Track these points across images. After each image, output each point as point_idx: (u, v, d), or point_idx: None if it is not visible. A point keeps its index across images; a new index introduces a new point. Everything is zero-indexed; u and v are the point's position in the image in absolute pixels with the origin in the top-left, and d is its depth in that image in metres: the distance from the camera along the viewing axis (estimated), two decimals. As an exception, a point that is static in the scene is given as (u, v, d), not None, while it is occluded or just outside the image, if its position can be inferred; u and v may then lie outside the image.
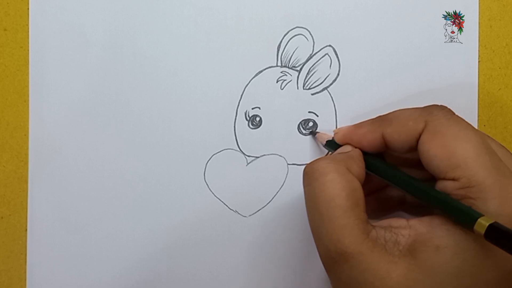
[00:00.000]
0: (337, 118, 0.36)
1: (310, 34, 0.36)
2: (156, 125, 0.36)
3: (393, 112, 0.31)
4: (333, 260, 0.27)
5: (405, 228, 0.27)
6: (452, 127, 0.28)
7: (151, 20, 0.36)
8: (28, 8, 0.35)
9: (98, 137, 0.35)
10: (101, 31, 0.35)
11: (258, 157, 0.36)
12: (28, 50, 0.35)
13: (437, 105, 0.30)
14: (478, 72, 0.36)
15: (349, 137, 0.31)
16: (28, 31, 0.35)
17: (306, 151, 0.36)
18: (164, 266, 0.36)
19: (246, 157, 0.36)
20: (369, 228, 0.27)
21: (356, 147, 0.31)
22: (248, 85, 0.36)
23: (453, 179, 0.27)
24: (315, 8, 0.36)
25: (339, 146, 0.33)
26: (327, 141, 0.34)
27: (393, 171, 0.30)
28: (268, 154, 0.36)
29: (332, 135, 0.33)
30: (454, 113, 0.29)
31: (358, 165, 0.29)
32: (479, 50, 0.36)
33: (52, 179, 0.35)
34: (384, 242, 0.27)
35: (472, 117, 0.36)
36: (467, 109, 0.36)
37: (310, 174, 0.28)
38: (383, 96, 0.36)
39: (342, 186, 0.27)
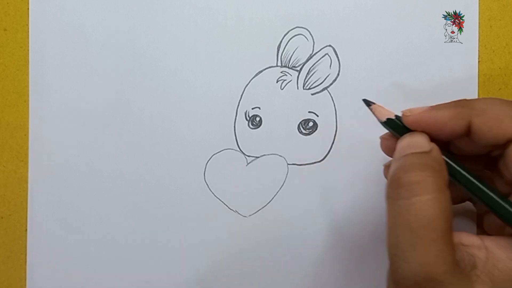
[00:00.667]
0: (337, 118, 0.36)
1: (310, 34, 0.36)
2: (156, 125, 0.36)
3: (481, 100, 0.27)
4: (418, 285, 0.24)
5: (480, 249, 0.24)
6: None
7: (151, 20, 0.36)
8: (28, 8, 0.35)
9: (98, 137, 0.35)
10: (101, 31, 0.36)
11: (258, 157, 0.36)
12: (28, 50, 0.35)
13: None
14: (478, 72, 0.36)
15: (426, 123, 0.26)
16: (28, 31, 0.35)
17: (306, 151, 0.36)
18: (164, 266, 0.36)
19: (246, 157, 0.36)
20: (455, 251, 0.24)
21: (430, 135, 0.27)
22: (248, 85, 0.36)
23: None
24: (315, 8, 0.36)
25: (403, 128, 0.28)
26: (388, 119, 0.28)
27: (476, 183, 0.26)
28: (268, 154, 0.36)
29: (394, 114, 0.29)
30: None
31: (446, 173, 0.25)
32: (479, 50, 0.36)
33: (52, 179, 0.35)
34: (463, 265, 0.24)
35: (472, 117, 0.36)
36: (467, 109, 0.36)
37: (405, 186, 0.24)
38: (383, 96, 0.36)
39: (444, 206, 0.24)
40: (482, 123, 0.26)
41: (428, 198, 0.24)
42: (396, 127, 0.28)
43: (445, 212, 0.24)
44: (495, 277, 0.24)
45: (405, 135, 0.27)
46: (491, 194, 0.25)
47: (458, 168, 0.26)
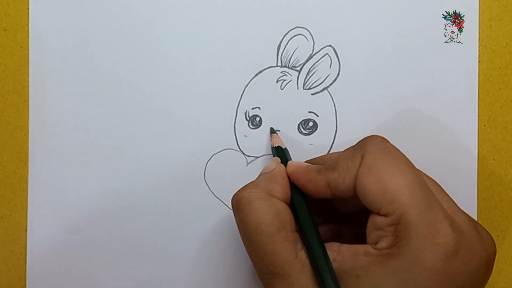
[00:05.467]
0: (337, 118, 0.36)
1: (310, 34, 0.36)
2: (156, 125, 0.36)
3: (334, 158, 0.30)
4: (269, 281, 0.28)
5: (334, 252, 0.28)
6: (386, 160, 0.28)
7: (151, 20, 0.36)
8: (28, 8, 0.35)
9: (98, 137, 0.35)
10: (101, 31, 0.36)
11: (258, 157, 0.36)
12: (28, 50, 0.35)
13: (371, 137, 0.30)
14: (478, 72, 0.36)
15: (296, 178, 0.31)
16: (28, 31, 0.35)
17: (306, 151, 0.36)
18: (164, 266, 0.36)
19: (246, 157, 0.36)
20: (298, 248, 0.28)
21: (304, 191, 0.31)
22: (248, 85, 0.36)
23: (385, 215, 0.27)
24: (315, 8, 0.36)
25: (280, 153, 0.33)
26: (273, 147, 0.34)
27: (304, 218, 0.30)
28: (268, 154, 0.36)
29: (280, 144, 0.34)
30: (388, 144, 0.29)
31: (280, 185, 0.30)
32: (479, 50, 0.36)
33: (52, 179, 0.35)
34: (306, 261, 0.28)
35: (472, 117, 0.36)
36: (467, 109, 0.36)
37: (236, 205, 0.29)
38: (383, 96, 0.36)
39: (265, 212, 0.28)
40: (336, 177, 0.29)
41: (251, 209, 0.28)
42: (277, 152, 0.33)
43: (268, 216, 0.28)
44: (339, 275, 0.27)
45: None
46: (307, 230, 0.29)
47: (296, 205, 0.30)
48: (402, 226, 0.26)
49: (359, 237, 0.30)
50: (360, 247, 0.28)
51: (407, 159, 0.29)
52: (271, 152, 0.36)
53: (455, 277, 0.26)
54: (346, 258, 0.27)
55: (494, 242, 0.29)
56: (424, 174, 0.30)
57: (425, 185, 0.28)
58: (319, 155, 0.35)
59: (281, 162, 0.32)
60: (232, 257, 0.36)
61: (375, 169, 0.27)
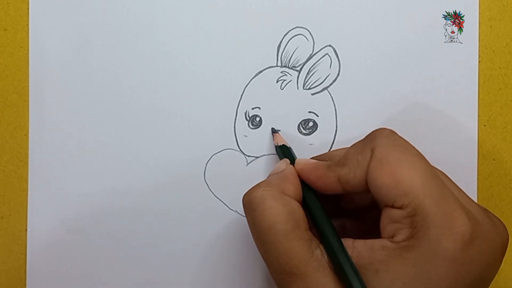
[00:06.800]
0: (337, 118, 0.36)
1: (310, 34, 0.36)
2: (156, 125, 0.36)
3: (342, 154, 0.30)
4: (284, 281, 0.28)
5: (349, 248, 0.27)
6: (397, 152, 0.28)
7: (151, 20, 0.36)
8: (28, 8, 0.35)
9: (98, 137, 0.35)
10: (101, 31, 0.36)
11: (258, 157, 0.36)
12: (28, 50, 0.35)
13: (380, 130, 0.29)
14: (478, 72, 0.36)
15: (306, 175, 0.30)
16: (28, 31, 0.35)
17: (306, 151, 0.36)
18: (164, 266, 0.36)
19: (246, 157, 0.36)
20: (313, 246, 0.28)
21: (312, 186, 0.30)
22: (248, 85, 0.36)
23: (400, 208, 0.27)
24: (315, 8, 0.36)
25: (286, 152, 0.33)
26: (278, 145, 0.34)
27: (318, 214, 0.29)
28: (268, 154, 0.36)
29: (284, 142, 0.34)
30: (397, 136, 0.29)
31: (293, 184, 0.30)
32: (479, 50, 0.36)
33: (52, 179, 0.35)
34: (328, 261, 0.27)
35: (472, 117, 0.36)
36: (467, 109, 0.36)
37: (248, 204, 0.29)
38: (383, 96, 0.36)
39: (280, 210, 0.28)
40: (347, 172, 0.29)
41: (264, 208, 0.28)
42: (282, 152, 0.33)
43: (283, 215, 0.28)
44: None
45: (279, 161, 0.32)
46: (324, 225, 0.29)
47: (309, 202, 0.30)
48: (419, 217, 0.26)
49: (364, 233, 0.30)
50: (376, 242, 0.27)
51: (417, 150, 0.28)
52: (271, 152, 0.36)
53: (473, 265, 0.26)
54: (363, 253, 0.27)
55: (506, 228, 0.29)
56: (434, 166, 0.30)
57: (437, 176, 0.28)
58: (323, 153, 0.35)
59: (289, 161, 0.32)
60: (233, 256, 0.36)
61: (387, 162, 0.27)
